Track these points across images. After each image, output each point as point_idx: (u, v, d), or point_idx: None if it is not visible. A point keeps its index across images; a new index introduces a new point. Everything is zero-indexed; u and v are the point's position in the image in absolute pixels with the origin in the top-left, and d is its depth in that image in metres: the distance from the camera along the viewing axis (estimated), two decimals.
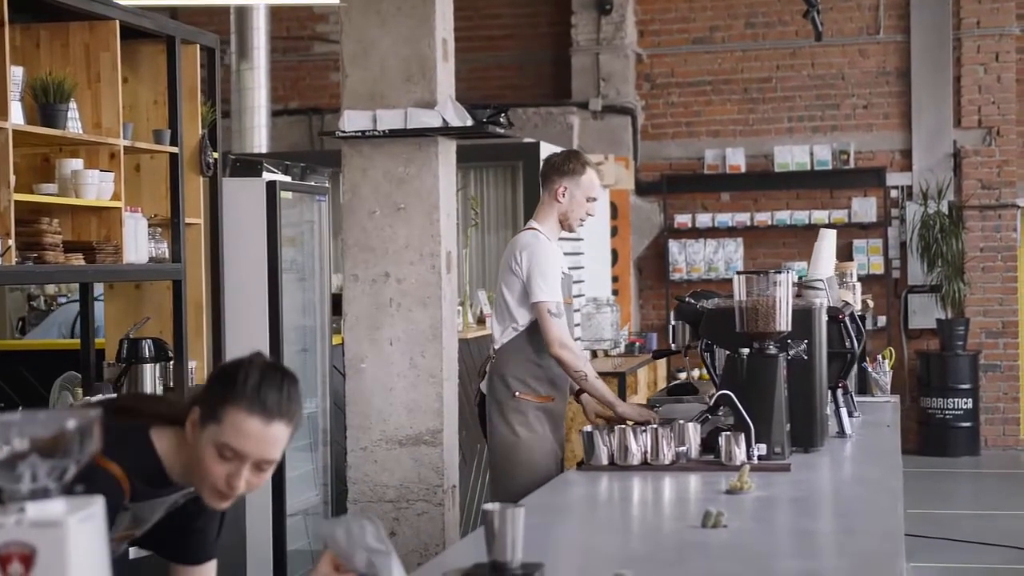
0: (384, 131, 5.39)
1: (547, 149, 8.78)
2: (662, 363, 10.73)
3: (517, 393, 5.10)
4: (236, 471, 2.53)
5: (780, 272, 4.29)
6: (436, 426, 5.46)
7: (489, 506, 2.69)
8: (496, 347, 5.23)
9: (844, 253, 12.12)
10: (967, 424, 12.01)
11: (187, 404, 2.62)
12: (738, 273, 4.33)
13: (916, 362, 12.32)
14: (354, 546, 2.38)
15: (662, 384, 10.23)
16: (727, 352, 4.41)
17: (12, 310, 8.86)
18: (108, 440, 2.48)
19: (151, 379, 5.34)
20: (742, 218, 12.57)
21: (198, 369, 5.77)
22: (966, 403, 11.98)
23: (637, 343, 10.56)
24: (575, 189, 5.14)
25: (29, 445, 1.70)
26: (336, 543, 2.39)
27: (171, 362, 5.50)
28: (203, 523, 2.82)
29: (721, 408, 4.30)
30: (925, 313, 12.32)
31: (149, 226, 5.39)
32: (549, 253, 5.07)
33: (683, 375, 10.16)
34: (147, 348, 5.34)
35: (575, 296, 9.41)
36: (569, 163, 5.18)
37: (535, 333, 5.09)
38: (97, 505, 1.73)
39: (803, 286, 5.10)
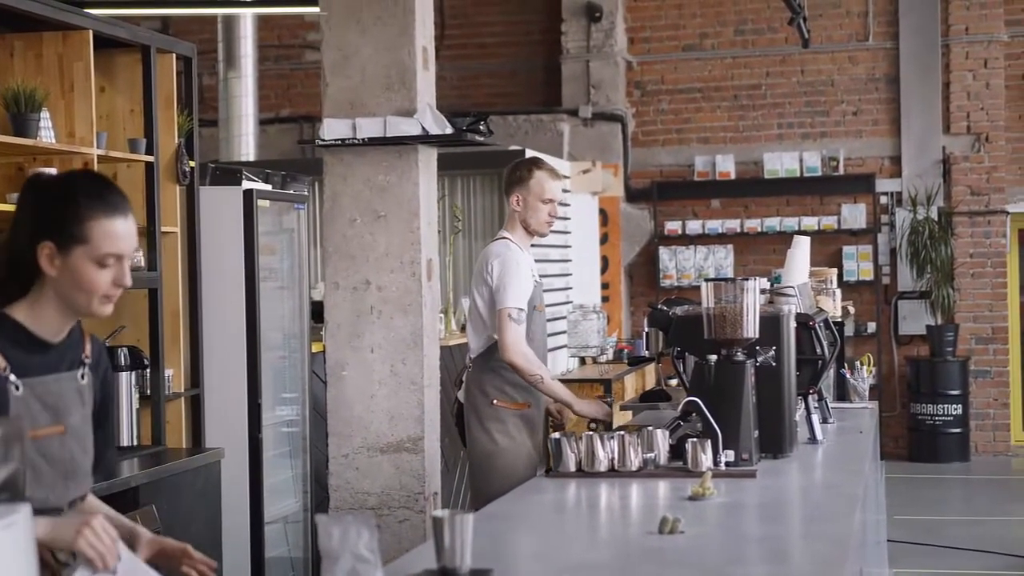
0: (364, 139, 5.41)
1: None
2: (651, 370, 10.75)
3: (495, 401, 5.18)
4: (119, 272, 2.69)
5: (748, 279, 4.30)
6: (417, 433, 5.47)
7: (438, 513, 2.71)
8: (472, 356, 5.28)
9: (833, 259, 12.15)
10: (957, 430, 12.02)
11: (22, 251, 2.66)
12: (706, 280, 4.35)
13: (906, 368, 12.33)
14: (343, 549, 2.38)
15: None
16: (696, 359, 4.42)
17: None
18: None
19: (127, 387, 5.35)
20: (732, 225, 12.58)
21: (175, 377, 5.79)
22: (956, 409, 11.98)
23: (626, 350, 10.57)
24: (527, 195, 5.26)
25: None
26: (327, 540, 2.39)
27: (147, 370, 5.52)
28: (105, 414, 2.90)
29: (691, 415, 4.31)
30: (915, 319, 12.33)
31: None
32: (519, 262, 5.17)
33: (674, 382, 10.16)
34: (123, 356, 5.35)
35: (557, 303, 9.51)
36: (516, 171, 5.31)
37: None
38: (22, 513, 1.75)
39: (774, 293, 5.11)
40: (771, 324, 4.42)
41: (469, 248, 9.85)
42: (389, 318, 5.45)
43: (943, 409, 11.97)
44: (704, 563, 2.97)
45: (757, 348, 4.35)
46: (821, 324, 5.02)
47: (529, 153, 9.27)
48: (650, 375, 10.77)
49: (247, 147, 10.67)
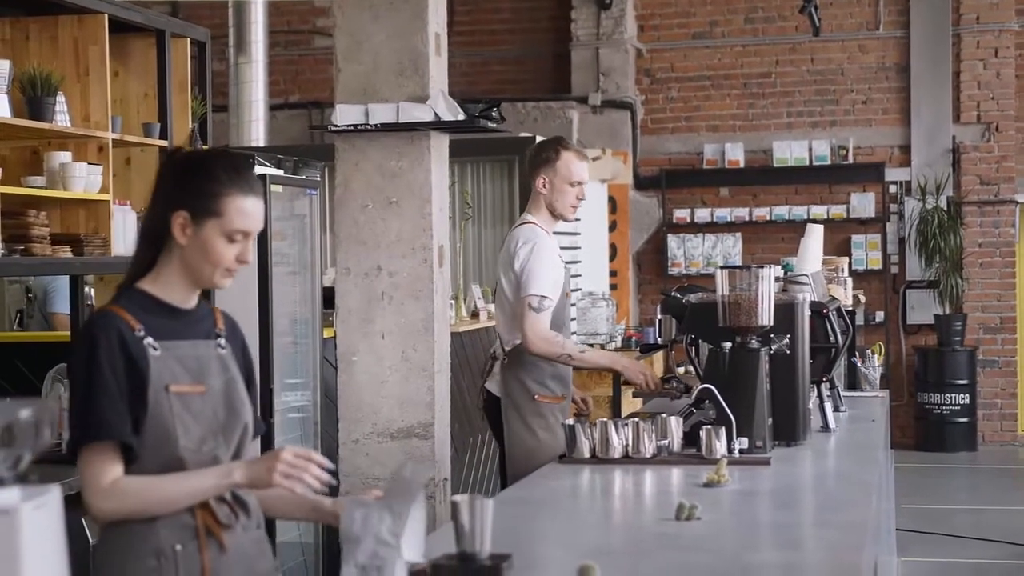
0: (376, 125, 5.40)
1: None
2: (660, 357, 10.74)
3: (536, 396, 5.08)
4: (244, 248, 2.80)
5: (763, 267, 4.30)
6: (427, 419, 5.46)
7: (457, 498, 2.71)
8: (507, 348, 5.15)
9: (842, 248, 12.14)
10: (964, 419, 12.02)
11: (157, 219, 2.78)
12: (721, 267, 4.34)
13: (914, 357, 12.33)
14: (366, 533, 2.38)
15: None
16: (710, 346, 4.43)
17: (11, 303, 8.89)
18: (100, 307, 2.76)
19: None
20: (741, 213, 12.58)
21: None
22: (963, 398, 11.99)
23: (634, 338, 10.56)
24: (553, 176, 5.13)
25: None
26: (350, 523, 2.39)
27: None
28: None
29: (705, 402, 4.31)
30: (923, 308, 12.33)
31: (138, 219, 5.41)
32: (548, 248, 5.06)
33: (681, 370, 10.16)
34: None
35: (573, 290, 9.47)
36: (543, 152, 5.17)
37: None
38: (52, 494, 1.75)
39: (788, 281, 5.11)
40: (785, 312, 4.42)
41: (479, 235, 9.86)
42: (400, 304, 5.44)
43: (951, 398, 11.98)
44: (722, 549, 2.98)
45: (771, 336, 4.36)
46: (834, 312, 5.02)
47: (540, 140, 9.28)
48: (658, 363, 10.77)
49: (257, 132, 10.66)
